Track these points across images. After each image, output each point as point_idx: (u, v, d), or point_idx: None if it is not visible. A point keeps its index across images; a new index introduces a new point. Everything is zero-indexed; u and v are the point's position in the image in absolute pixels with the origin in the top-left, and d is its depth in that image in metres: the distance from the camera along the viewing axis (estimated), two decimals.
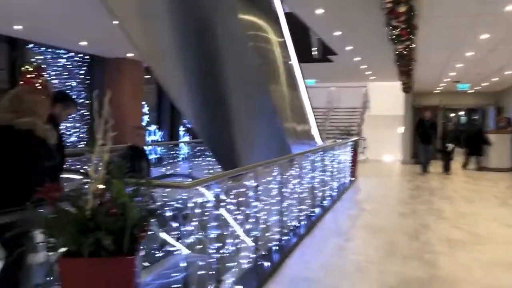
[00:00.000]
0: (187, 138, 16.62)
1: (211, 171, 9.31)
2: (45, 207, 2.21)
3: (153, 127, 14.56)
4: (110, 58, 11.91)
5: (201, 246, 3.09)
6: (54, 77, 10.60)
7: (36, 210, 2.56)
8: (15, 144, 2.76)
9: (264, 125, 7.62)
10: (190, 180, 5.53)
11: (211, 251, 3.19)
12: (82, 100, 11.41)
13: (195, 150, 9.45)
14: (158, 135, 14.98)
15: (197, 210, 2.91)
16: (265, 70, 7.34)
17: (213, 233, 3.19)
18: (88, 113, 11.49)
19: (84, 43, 10.00)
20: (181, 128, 16.43)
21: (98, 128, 2.54)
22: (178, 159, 10.81)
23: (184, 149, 12.00)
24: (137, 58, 12.14)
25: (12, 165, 2.76)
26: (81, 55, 11.37)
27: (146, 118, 13.90)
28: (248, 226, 4.05)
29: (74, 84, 11.21)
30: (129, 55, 11.55)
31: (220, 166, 7.60)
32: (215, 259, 3.23)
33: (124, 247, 2.24)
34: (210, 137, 7.09)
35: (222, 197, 3.26)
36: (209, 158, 9.36)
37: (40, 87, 8.62)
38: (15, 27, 8.34)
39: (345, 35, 8.99)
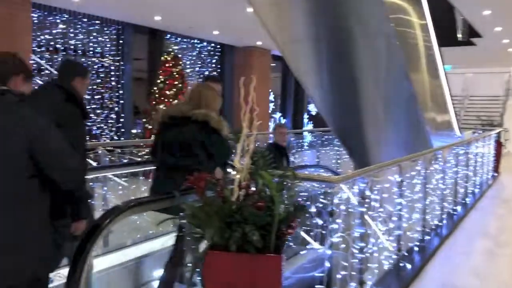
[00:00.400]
0: (310, 126, 16.45)
1: (339, 161, 9.01)
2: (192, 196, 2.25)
3: (277, 115, 14.64)
4: (240, 46, 12.14)
5: (344, 244, 2.86)
6: (188, 66, 11.08)
7: (184, 199, 2.57)
8: (194, 133, 2.85)
9: (400, 114, 7.10)
10: (331, 173, 5.33)
11: (354, 250, 2.94)
12: None
13: (323, 138, 9.21)
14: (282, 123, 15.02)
15: (342, 207, 2.68)
16: (404, 55, 6.81)
17: (356, 232, 2.94)
18: None
19: (216, 32, 10.28)
20: (305, 116, 16.30)
21: (243, 116, 2.40)
22: (304, 148, 10.67)
23: (308, 138, 11.83)
24: (266, 47, 12.21)
25: (190, 154, 2.85)
26: (213, 44, 11.73)
27: (271, 105, 14.01)
28: (390, 225, 3.72)
29: (206, 72, 11.61)
30: (258, 43, 11.65)
31: (348, 156, 7.28)
32: (358, 259, 2.98)
33: (271, 244, 2.10)
34: (339, 125, 6.80)
35: (367, 193, 2.98)
36: (336, 148, 9.08)
37: (177, 75, 9.03)
38: (156, 18, 8.81)
39: (496, 14, 8.02)
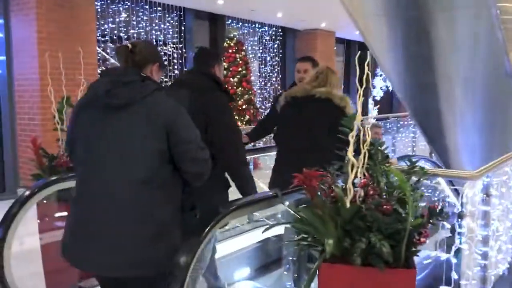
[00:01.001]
0: (375, 112, 15.74)
1: (414, 148, 8.42)
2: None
3: None
4: (302, 30, 11.66)
5: (468, 251, 2.40)
6: (250, 51, 10.75)
7: (286, 198, 2.20)
8: (321, 111, 2.88)
9: (489, 98, 6.42)
10: (431, 164, 4.79)
11: (476, 256, 2.48)
12: (275, 75, 11.41)
13: (398, 125, 8.62)
14: None
15: (469, 207, 2.23)
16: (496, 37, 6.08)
17: (479, 234, 2.48)
18: (279, 88, 11.44)
19: (279, 14, 9.86)
20: (370, 101, 15.59)
21: (358, 99, 1.99)
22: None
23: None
24: (330, 29, 11.65)
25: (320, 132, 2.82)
26: (275, 28, 11.33)
27: None
28: (507, 223, 3.21)
29: (268, 58, 11.24)
30: (323, 25, 11.12)
31: (426, 142, 6.68)
32: (480, 266, 2.51)
33: (401, 256, 1.71)
34: (416, 108, 6.28)
35: (493, 191, 2.50)
36: (412, 134, 8.48)
37: (240, 62, 8.73)
38: (219, 1, 8.50)
39: None
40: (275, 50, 11.41)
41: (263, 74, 11.12)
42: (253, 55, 10.83)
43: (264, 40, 11.16)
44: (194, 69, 2.71)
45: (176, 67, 9.12)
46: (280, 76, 11.51)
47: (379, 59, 6.18)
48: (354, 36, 13.55)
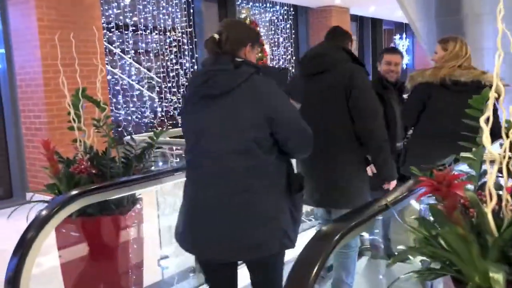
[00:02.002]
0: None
1: None
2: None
3: None
4: (315, 7, 11.01)
5: None
6: (261, 32, 10.12)
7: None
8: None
9: None
10: None
11: None
12: (289, 57, 10.80)
13: None
14: None
15: None
16: None
17: None
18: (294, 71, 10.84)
19: None
20: None
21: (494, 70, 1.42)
22: None
23: None
24: (345, 5, 11.01)
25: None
26: (286, 7, 10.68)
27: None
28: None
29: (281, 39, 10.62)
30: (337, 1, 10.47)
31: None
32: None
33: None
34: None
35: None
36: None
37: None
38: None
39: None
40: (287, 31, 10.78)
41: (276, 57, 10.52)
42: (265, 36, 10.21)
43: (275, 20, 10.52)
44: (331, 45, 2.70)
45: (186, 53, 8.52)
46: (294, 57, 10.90)
47: (415, 27, 5.98)
48: (367, 13, 12.89)
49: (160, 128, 8.29)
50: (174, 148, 3.06)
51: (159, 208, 3.19)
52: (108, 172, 2.51)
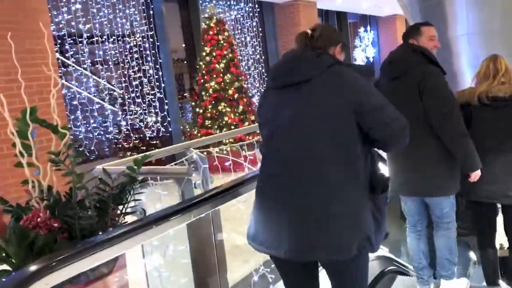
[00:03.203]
0: None
1: None
2: None
3: None
4: (281, 3, 10.43)
5: None
6: (227, 32, 9.45)
7: None
8: None
9: None
10: None
11: None
12: (258, 56, 10.18)
13: None
14: None
15: None
16: None
17: None
18: (264, 71, 10.22)
19: None
20: None
21: None
22: None
23: None
24: None
25: None
26: (251, 5, 10.05)
27: None
28: None
29: (248, 38, 9.98)
30: None
31: None
32: None
33: None
34: None
35: None
36: None
37: (225, 44, 7.44)
38: None
39: None
40: (254, 29, 10.15)
41: (245, 57, 9.87)
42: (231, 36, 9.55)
43: (241, 19, 9.87)
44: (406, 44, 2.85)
45: (149, 59, 7.74)
46: (263, 57, 10.28)
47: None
48: (333, 6, 12.44)
49: (126, 143, 7.49)
50: (158, 178, 2.36)
51: (145, 255, 2.49)
52: (77, 224, 1.78)
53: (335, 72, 1.80)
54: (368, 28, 15.89)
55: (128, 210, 2.03)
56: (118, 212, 1.98)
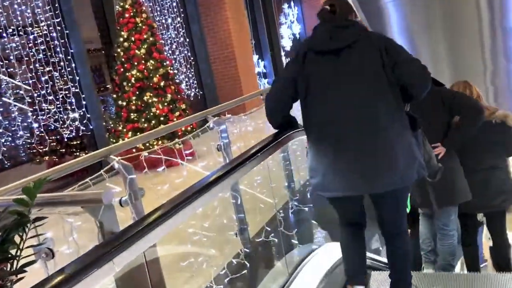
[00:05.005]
0: None
1: None
2: None
3: (255, 58, 12.45)
4: None
5: None
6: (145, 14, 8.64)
7: None
8: None
9: None
10: None
11: None
12: (182, 39, 9.45)
13: None
14: (261, 67, 12.90)
15: None
16: None
17: None
18: (190, 55, 9.54)
19: None
20: (282, 53, 14.21)
21: None
22: None
23: None
24: None
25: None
26: None
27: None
28: None
29: (169, 20, 9.21)
30: None
31: None
32: None
33: None
34: None
35: None
36: None
37: (144, 27, 6.68)
38: None
39: None
40: (175, 10, 9.38)
41: (168, 41, 9.12)
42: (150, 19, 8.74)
43: (159, 1, 9.06)
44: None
45: (58, 49, 6.81)
46: (187, 40, 9.57)
47: None
48: None
49: (42, 148, 6.60)
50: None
51: None
52: None
53: (371, 36, 2.22)
54: (292, 4, 15.53)
55: (23, 261, 1.41)
56: (6, 269, 1.35)
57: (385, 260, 2.92)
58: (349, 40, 2.15)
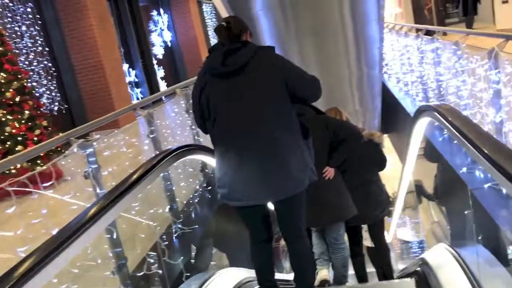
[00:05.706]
0: (162, 72, 13.97)
1: None
2: None
3: (125, 67, 11.78)
4: None
5: None
6: None
7: None
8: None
9: None
10: None
11: None
12: (40, 49, 8.51)
13: None
14: (133, 76, 12.26)
15: None
16: None
17: None
18: (51, 65, 8.65)
19: None
20: (154, 61, 13.70)
21: None
22: None
23: None
24: None
25: None
26: None
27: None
28: None
29: (23, 28, 8.23)
30: None
31: None
32: None
33: None
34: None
35: None
36: None
37: None
38: None
39: None
40: (30, 16, 8.42)
41: (23, 50, 8.15)
42: (0, 27, 7.73)
43: (10, 4, 8.06)
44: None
45: None
46: (47, 49, 8.66)
47: None
48: None
49: None
50: None
51: None
52: None
53: (264, 55, 2.43)
54: (161, 11, 15.07)
55: None
56: None
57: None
58: (240, 63, 2.37)
